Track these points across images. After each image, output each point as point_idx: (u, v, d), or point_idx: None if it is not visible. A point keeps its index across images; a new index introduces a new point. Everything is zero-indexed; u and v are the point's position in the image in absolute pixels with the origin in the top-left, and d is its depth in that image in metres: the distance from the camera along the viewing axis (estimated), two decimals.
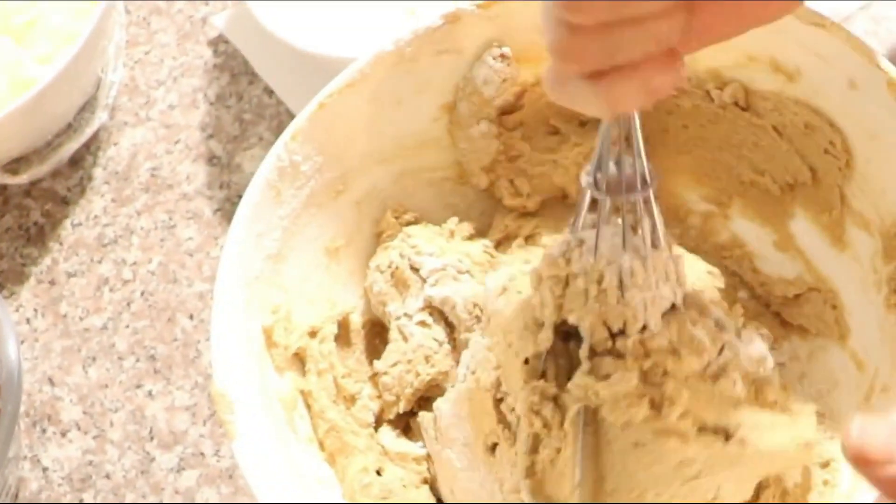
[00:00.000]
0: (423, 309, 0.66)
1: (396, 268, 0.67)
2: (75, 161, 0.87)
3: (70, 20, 0.84)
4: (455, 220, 0.69)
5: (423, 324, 0.65)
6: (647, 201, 0.53)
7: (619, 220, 0.53)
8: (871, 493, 0.46)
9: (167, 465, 0.76)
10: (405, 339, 0.66)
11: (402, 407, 0.65)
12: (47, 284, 0.83)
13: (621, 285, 0.53)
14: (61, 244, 0.85)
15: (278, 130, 0.85)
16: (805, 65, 0.63)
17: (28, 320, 0.82)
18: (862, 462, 0.45)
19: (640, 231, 0.54)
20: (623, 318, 0.53)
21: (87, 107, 0.87)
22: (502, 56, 0.67)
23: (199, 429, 0.76)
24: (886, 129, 0.61)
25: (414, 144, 0.69)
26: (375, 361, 0.66)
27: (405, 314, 0.66)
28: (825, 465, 0.61)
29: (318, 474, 0.62)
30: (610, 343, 0.54)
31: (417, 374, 0.65)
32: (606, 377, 0.53)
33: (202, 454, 0.76)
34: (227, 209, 0.83)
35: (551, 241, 0.65)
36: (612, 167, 0.52)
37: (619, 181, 0.52)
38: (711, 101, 0.67)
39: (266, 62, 0.87)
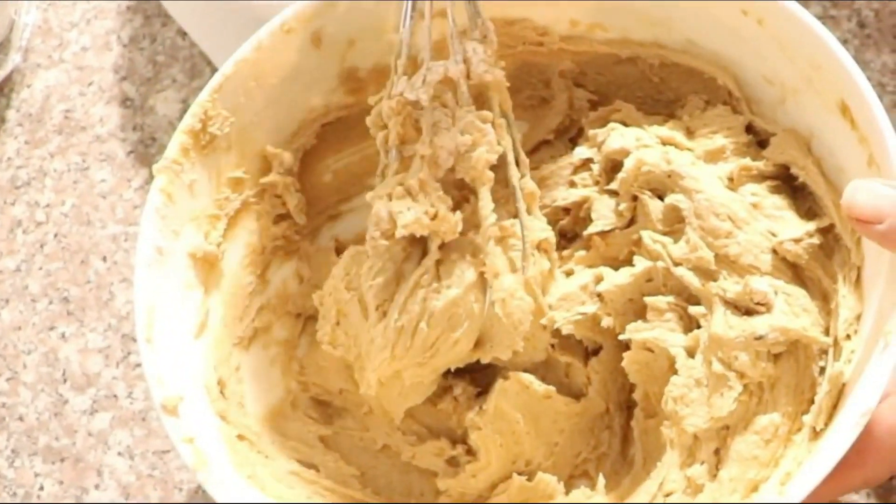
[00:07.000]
0: None
1: None
2: None
3: None
4: None
5: None
6: None
7: None
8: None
9: (80, 407, 0.76)
10: None
11: None
12: None
13: None
14: None
15: (191, 73, 0.85)
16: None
17: None
18: (855, 221, 0.53)
19: None
20: None
21: (1, 49, 0.86)
22: None
23: (112, 371, 0.77)
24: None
25: None
26: None
27: None
28: None
29: None
30: None
31: None
32: None
33: (115, 396, 0.76)
34: (140, 151, 0.83)
35: None
36: None
37: None
38: None
39: (179, 4, 0.86)
